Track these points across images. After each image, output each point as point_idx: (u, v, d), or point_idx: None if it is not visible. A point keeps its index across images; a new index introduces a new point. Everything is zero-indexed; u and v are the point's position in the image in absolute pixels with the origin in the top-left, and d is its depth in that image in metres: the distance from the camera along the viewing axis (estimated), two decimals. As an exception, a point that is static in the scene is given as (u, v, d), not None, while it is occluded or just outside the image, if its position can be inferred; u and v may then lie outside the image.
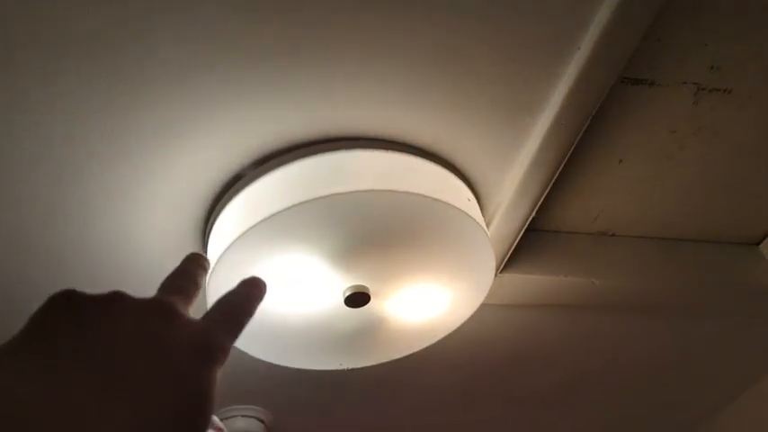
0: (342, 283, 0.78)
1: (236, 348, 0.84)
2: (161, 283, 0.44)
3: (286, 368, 0.89)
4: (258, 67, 0.66)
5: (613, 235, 1.02)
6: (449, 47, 0.67)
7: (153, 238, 0.81)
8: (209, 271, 0.46)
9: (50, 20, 0.60)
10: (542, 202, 0.86)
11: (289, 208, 0.70)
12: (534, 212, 0.87)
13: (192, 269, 0.46)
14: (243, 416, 1.12)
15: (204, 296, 0.78)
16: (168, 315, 0.39)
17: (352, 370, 0.92)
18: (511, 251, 0.92)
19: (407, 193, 0.72)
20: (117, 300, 0.38)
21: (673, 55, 0.78)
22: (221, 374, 0.38)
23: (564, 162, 0.79)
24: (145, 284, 0.86)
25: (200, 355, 0.37)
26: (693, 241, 1.03)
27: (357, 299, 0.78)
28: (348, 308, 0.79)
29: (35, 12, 0.59)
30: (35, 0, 0.58)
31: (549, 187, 0.83)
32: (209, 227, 0.80)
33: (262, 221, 0.71)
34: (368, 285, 0.79)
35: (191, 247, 0.83)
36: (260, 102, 0.70)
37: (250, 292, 0.46)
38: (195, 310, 0.42)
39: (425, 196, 0.73)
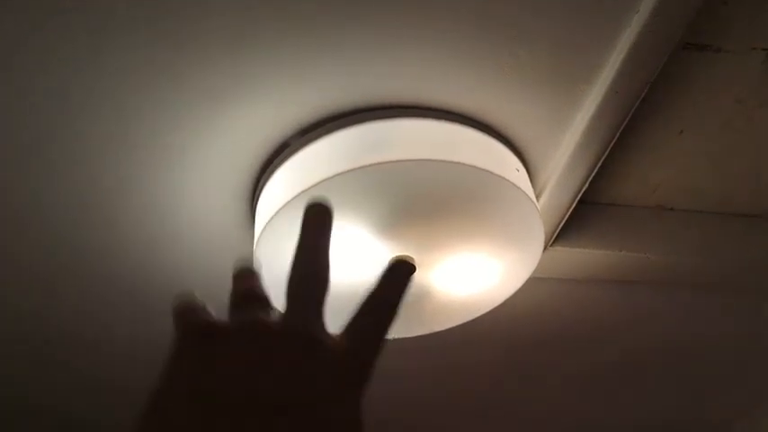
0: (387, 253, 0.77)
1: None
2: (287, 295, 0.40)
3: (332, 336, 0.90)
4: (301, 35, 0.66)
5: (672, 209, 0.98)
6: (496, 6, 0.64)
7: (201, 206, 0.83)
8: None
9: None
10: (598, 174, 0.83)
11: (334, 176, 0.70)
12: (587, 184, 0.84)
13: (310, 264, 0.42)
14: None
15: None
16: (310, 343, 0.37)
17: (396, 340, 0.92)
18: (563, 223, 0.90)
19: (454, 162, 0.71)
20: (257, 332, 0.37)
21: (741, 18, 0.73)
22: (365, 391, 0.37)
23: (619, 132, 0.76)
24: (192, 251, 0.88)
25: (347, 380, 0.37)
26: (757, 217, 0.98)
27: (402, 269, 0.78)
28: (393, 278, 0.79)
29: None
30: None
31: (604, 158, 0.80)
32: (256, 195, 0.80)
33: (307, 190, 0.71)
34: (414, 256, 0.78)
35: (239, 215, 0.84)
36: (304, 70, 0.69)
37: (395, 285, 0.41)
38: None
39: (472, 166, 0.71)
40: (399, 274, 0.42)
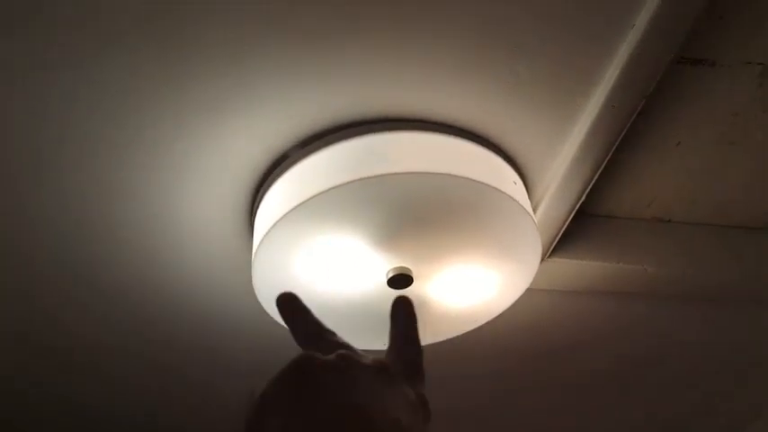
0: (385, 265, 0.78)
1: (282, 327, 0.86)
2: (312, 338, 0.52)
3: (330, 347, 0.90)
4: (302, 48, 0.66)
5: (669, 221, 0.98)
6: (496, 22, 0.65)
7: (201, 216, 0.83)
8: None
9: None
10: (595, 186, 0.83)
11: (332, 188, 0.70)
12: (584, 197, 0.84)
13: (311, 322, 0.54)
14: (289, 392, 1.14)
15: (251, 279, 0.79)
16: (389, 376, 0.46)
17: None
18: (560, 235, 0.90)
19: (452, 175, 0.71)
20: (348, 364, 0.45)
21: (736, 33, 0.74)
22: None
23: (615, 145, 0.77)
24: (191, 260, 0.88)
25: (421, 413, 0.46)
26: (753, 230, 0.98)
27: (400, 281, 0.78)
28: (391, 289, 0.79)
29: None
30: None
31: (601, 171, 0.81)
32: (255, 206, 0.81)
33: (305, 202, 0.71)
34: (411, 267, 0.78)
35: (238, 226, 0.85)
36: (304, 83, 0.70)
37: (410, 319, 0.53)
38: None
39: (469, 179, 0.72)
40: (403, 309, 0.55)
